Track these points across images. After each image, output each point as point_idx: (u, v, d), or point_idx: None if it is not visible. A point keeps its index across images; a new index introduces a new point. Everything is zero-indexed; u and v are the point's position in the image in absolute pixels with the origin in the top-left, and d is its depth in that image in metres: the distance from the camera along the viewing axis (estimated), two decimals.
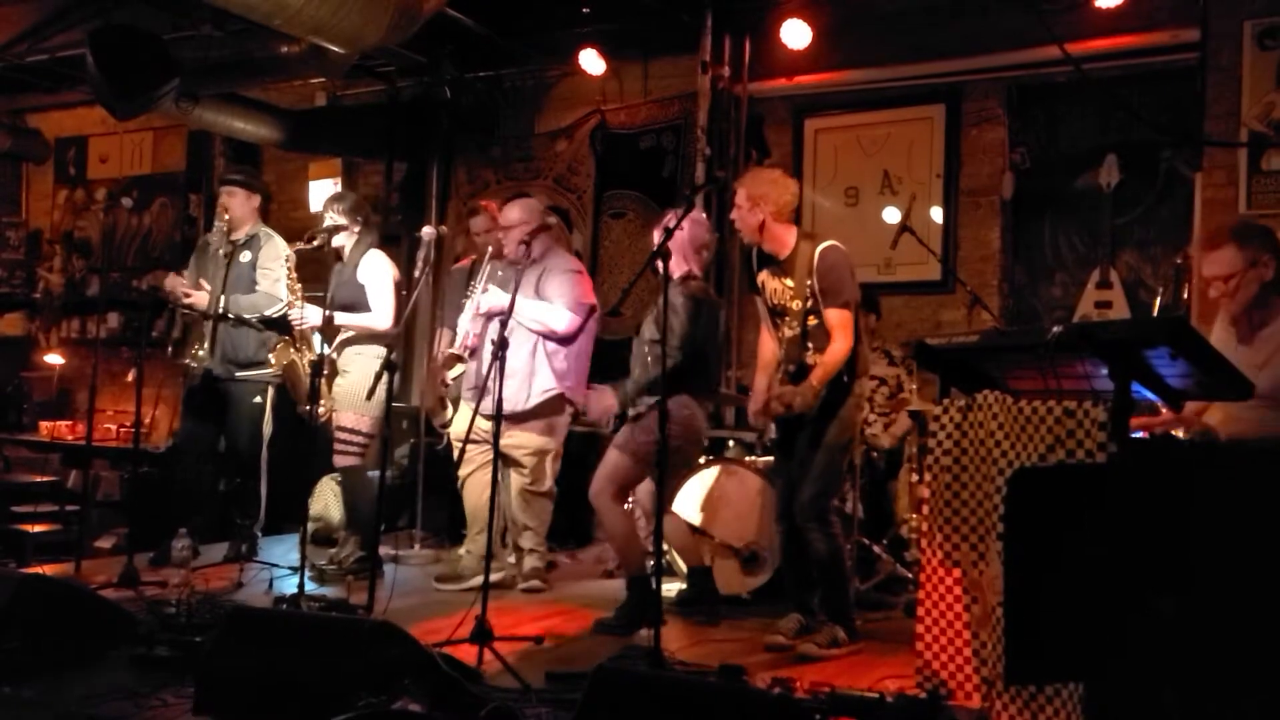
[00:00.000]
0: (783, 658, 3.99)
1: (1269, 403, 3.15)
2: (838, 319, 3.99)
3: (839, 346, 3.98)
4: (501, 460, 5.06)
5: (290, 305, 5.22)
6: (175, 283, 5.35)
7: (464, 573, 5.13)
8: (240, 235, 5.45)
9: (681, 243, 4.41)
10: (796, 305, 4.04)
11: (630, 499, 5.20)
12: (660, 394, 4.27)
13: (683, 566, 4.85)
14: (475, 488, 5.15)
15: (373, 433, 5.18)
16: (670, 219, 4.46)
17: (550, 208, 6.94)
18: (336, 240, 5.22)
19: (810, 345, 4.03)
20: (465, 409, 5.21)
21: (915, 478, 5.10)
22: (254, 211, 5.55)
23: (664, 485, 3.80)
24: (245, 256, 5.38)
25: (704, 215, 4.55)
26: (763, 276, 4.21)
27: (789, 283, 4.08)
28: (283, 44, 6.18)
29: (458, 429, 5.27)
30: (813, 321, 4.03)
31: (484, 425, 4.99)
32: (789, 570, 4.34)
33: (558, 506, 5.24)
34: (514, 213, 5.06)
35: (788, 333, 4.07)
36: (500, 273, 5.17)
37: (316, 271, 5.57)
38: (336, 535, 5.80)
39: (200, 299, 5.28)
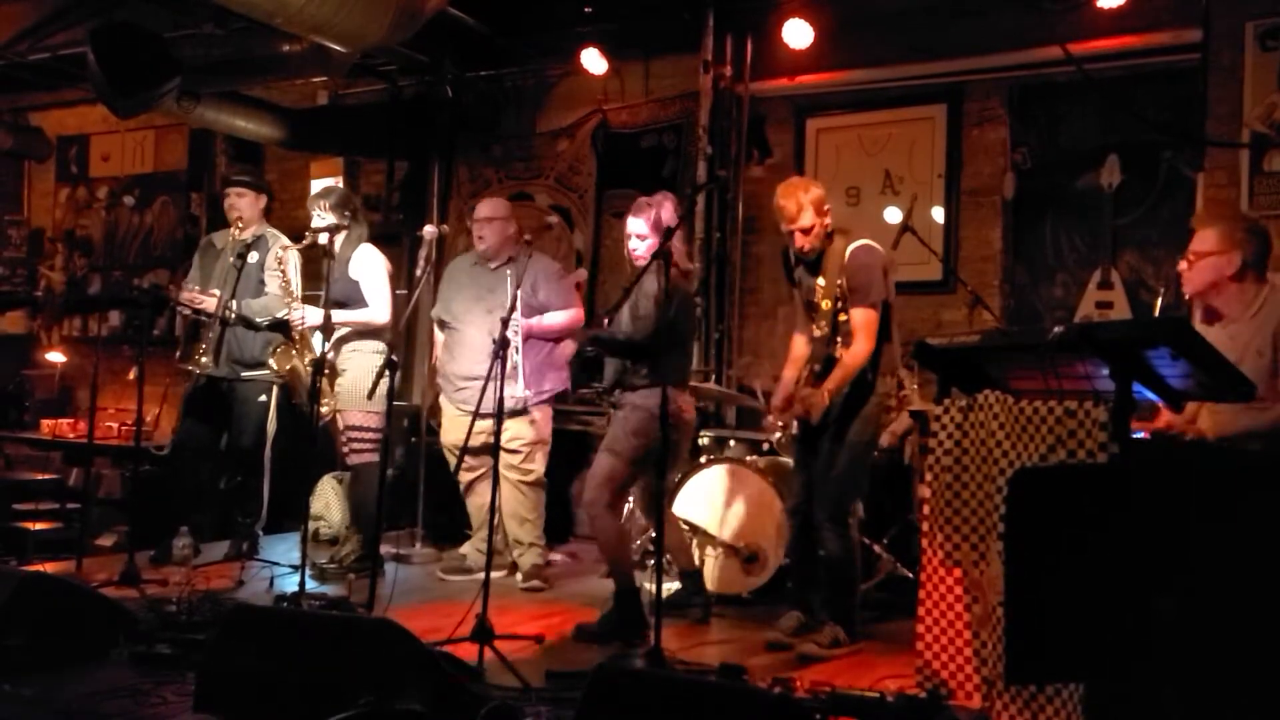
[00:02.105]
0: (783, 657, 4.00)
1: (1253, 402, 3.14)
2: (861, 319, 3.99)
3: (859, 348, 3.98)
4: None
5: (291, 307, 5.22)
6: (189, 295, 5.34)
7: (471, 566, 5.17)
8: (247, 236, 5.45)
9: (653, 228, 4.37)
10: (826, 305, 4.02)
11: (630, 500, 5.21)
12: (637, 387, 4.30)
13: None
14: (480, 491, 5.18)
15: (382, 427, 5.18)
16: (651, 210, 4.45)
17: (552, 207, 6.99)
18: (326, 237, 5.21)
19: (839, 341, 4.02)
20: (452, 412, 5.24)
21: (916, 477, 5.09)
22: (261, 212, 5.56)
23: (664, 483, 3.80)
24: (253, 258, 5.39)
25: (670, 202, 4.48)
26: (798, 273, 4.23)
27: (821, 281, 4.07)
28: (284, 43, 6.18)
29: (450, 438, 5.30)
30: (842, 318, 4.02)
31: (479, 425, 5.01)
32: (795, 568, 4.35)
33: (556, 505, 5.27)
34: (485, 209, 5.24)
35: (817, 331, 4.06)
36: (473, 272, 5.27)
37: (316, 271, 5.58)
38: (337, 534, 5.81)
39: (210, 303, 5.29)
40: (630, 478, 4.42)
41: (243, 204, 5.46)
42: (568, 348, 5.26)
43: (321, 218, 5.16)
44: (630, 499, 5.11)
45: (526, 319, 5.04)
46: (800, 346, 4.25)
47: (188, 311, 5.43)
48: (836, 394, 3.97)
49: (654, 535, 4.87)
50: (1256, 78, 4.97)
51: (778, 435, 5.14)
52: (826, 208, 4.09)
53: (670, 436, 4.23)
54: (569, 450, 6.17)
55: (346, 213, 5.23)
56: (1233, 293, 3.37)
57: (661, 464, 3.85)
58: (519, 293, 4.96)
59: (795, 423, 4.20)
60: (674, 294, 4.24)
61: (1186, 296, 3.56)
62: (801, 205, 4.02)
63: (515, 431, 5.09)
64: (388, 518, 5.33)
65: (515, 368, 4.95)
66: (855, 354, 3.98)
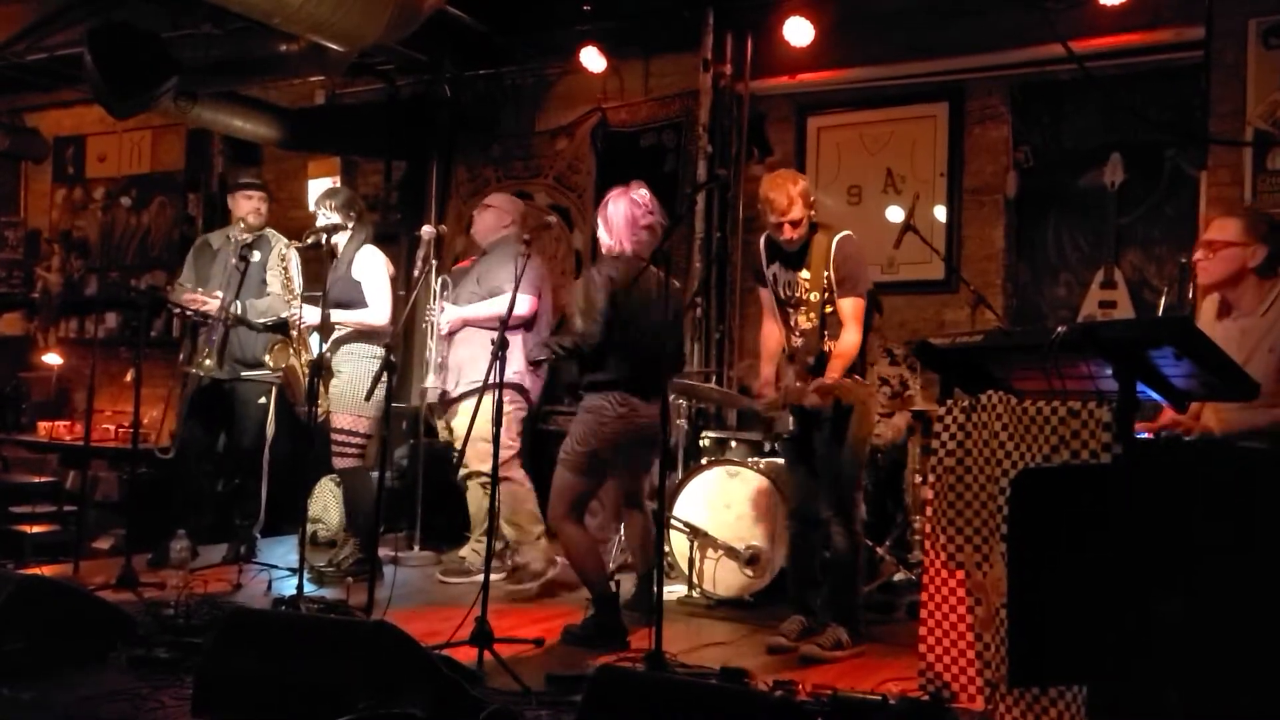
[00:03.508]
0: (785, 660, 3.98)
1: (1259, 399, 3.11)
2: (851, 308, 4.03)
3: (851, 337, 4.02)
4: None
5: (292, 306, 5.22)
6: (191, 297, 5.33)
7: (470, 568, 5.14)
8: (247, 236, 5.46)
9: (616, 219, 4.32)
10: (814, 297, 4.03)
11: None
12: (586, 390, 4.24)
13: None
14: (476, 490, 5.14)
15: (370, 433, 5.17)
16: (605, 202, 4.42)
17: (551, 206, 6.97)
18: (334, 237, 5.21)
19: (828, 334, 4.05)
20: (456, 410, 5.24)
21: (919, 478, 5.08)
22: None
23: (664, 486, 3.78)
24: (255, 257, 5.39)
25: (646, 194, 4.39)
26: (774, 269, 4.21)
27: (805, 275, 4.07)
28: (282, 42, 6.17)
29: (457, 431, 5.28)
30: (829, 310, 4.05)
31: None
32: (794, 570, 4.33)
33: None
34: (487, 198, 5.39)
35: (805, 324, 4.06)
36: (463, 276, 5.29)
37: (317, 271, 5.56)
38: (335, 536, 5.79)
39: (213, 305, 5.27)
40: (584, 487, 4.30)
41: (265, 208, 5.55)
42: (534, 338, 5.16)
43: (327, 217, 5.18)
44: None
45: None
46: (774, 340, 4.26)
47: (190, 313, 5.41)
48: (849, 381, 3.98)
49: (625, 536, 4.87)
50: (1260, 75, 4.96)
51: (768, 447, 5.12)
52: (812, 199, 4.11)
53: (619, 440, 4.22)
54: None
55: (352, 214, 5.26)
56: (1250, 286, 3.36)
57: (663, 464, 3.83)
58: (469, 285, 4.98)
59: (791, 419, 4.18)
60: (622, 293, 4.16)
61: (1202, 286, 3.52)
62: (792, 198, 4.03)
63: (455, 426, 5.04)
64: (385, 520, 5.31)
65: (428, 358, 4.97)
66: (849, 343, 4.02)
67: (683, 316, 4.64)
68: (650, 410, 4.21)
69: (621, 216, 4.31)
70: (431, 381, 5.10)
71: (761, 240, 4.28)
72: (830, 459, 4.08)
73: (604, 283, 4.18)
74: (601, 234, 4.41)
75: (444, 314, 5.16)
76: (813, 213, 4.11)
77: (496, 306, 4.90)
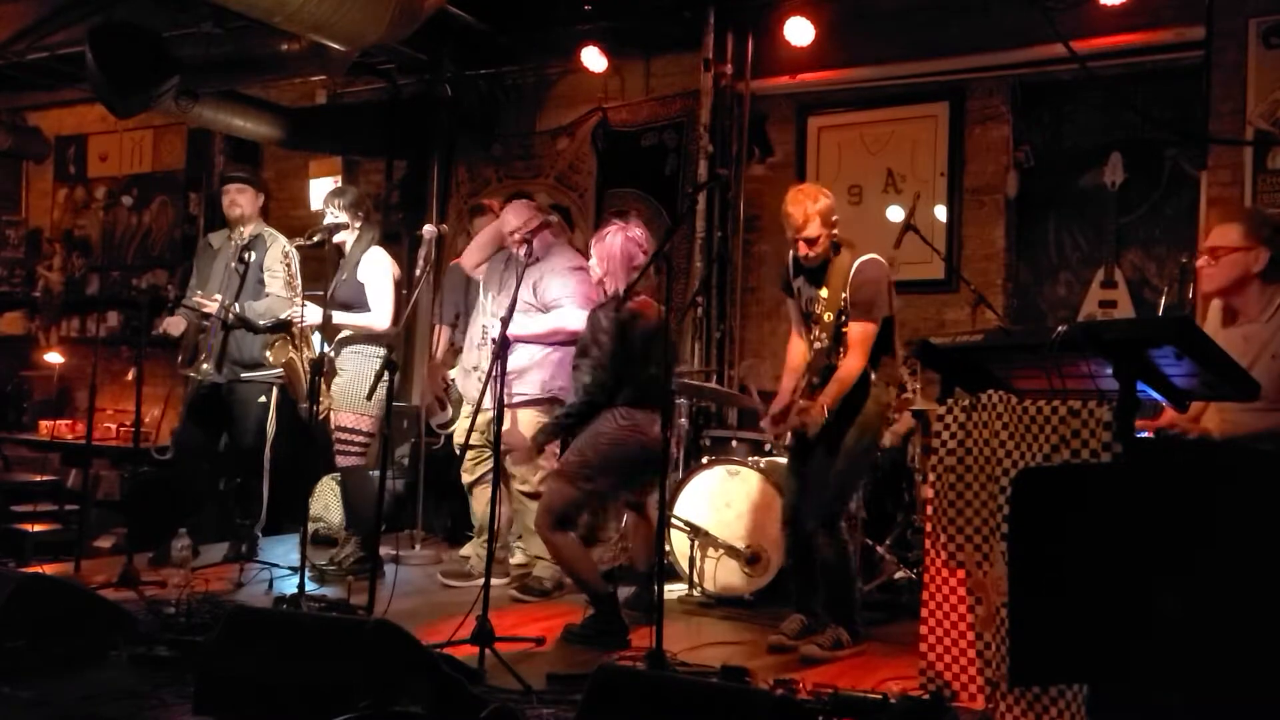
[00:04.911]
0: (786, 659, 3.98)
1: (1263, 403, 3.11)
2: (859, 333, 3.96)
3: (853, 363, 3.95)
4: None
5: (292, 303, 5.22)
6: (197, 299, 5.33)
7: (472, 571, 5.13)
8: (245, 235, 5.45)
9: (612, 258, 4.34)
10: (828, 317, 3.96)
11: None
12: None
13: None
14: (483, 491, 5.14)
15: (373, 432, 5.17)
16: (602, 234, 4.42)
17: (552, 206, 6.97)
18: (337, 236, 5.21)
19: (840, 353, 3.98)
20: (467, 410, 5.20)
21: (919, 477, 5.08)
22: (259, 210, 5.57)
23: (664, 489, 3.77)
24: (251, 257, 5.38)
25: (640, 232, 4.42)
26: (799, 283, 4.19)
27: (823, 293, 4.02)
28: (283, 41, 6.16)
29: (462, 432, 5.26)
30: (844, 331, 3.99)
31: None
32: (795, 572, 4.33)
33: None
34: (510, 220, 5.06)
35: (817, 343, 4.01)
36: (499, 274, 5.19)
37: (318, 269, 5.56)
38: (336, 535, 5.79)
39: (212, 307, 5.27)
40: (575, 499, 4.28)
41: (244, 200, 5.47)
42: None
43: (334, 216, 5.17)
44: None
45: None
46: (798, 354, 4.22)
47: (194, 317, 5.40)
48: (833, 407, 3.95)
49: (626, 536, 4.87)
50: (1260, 75, 4.97)
51: (768, 447, 5.14)
52: (834, 218, 4.04)
53: (618, 454, 4.23)
54: None
55: (359, 214, 5.25)
56: (1254, 291, 3.34)
57: (663, 466, 3.83)
58: (524, 293, 4.95)
59: (790, 433, 4.18)
60: (626, 329, 4.20)
61: (1207, 293, 3.52)
62: (809, 215, 3.97)
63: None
64: (387, 519, 5.30)
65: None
66: (849, 368, 3.95)
67: (675, 339, 4.64)
68: (653, 427, 4.21)
69: (619, 256, 4.33)
70: (486, 404, 5.03)
71: (790, 252, 4.23)
72: (822, 471, 4.06)
73: (612, 328, 4.21)
74: (594, 264, 4.44)
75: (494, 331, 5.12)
76: (835, 232, 4.05)
77: (552, 322, 4.86)
